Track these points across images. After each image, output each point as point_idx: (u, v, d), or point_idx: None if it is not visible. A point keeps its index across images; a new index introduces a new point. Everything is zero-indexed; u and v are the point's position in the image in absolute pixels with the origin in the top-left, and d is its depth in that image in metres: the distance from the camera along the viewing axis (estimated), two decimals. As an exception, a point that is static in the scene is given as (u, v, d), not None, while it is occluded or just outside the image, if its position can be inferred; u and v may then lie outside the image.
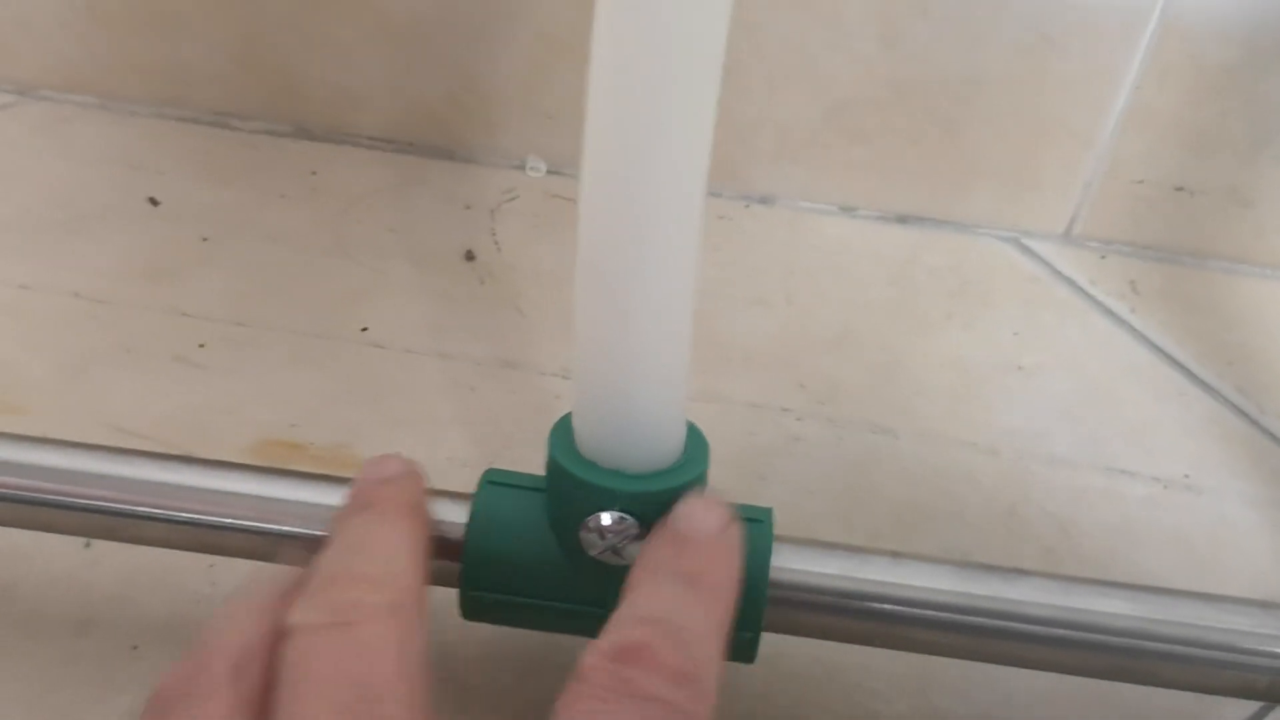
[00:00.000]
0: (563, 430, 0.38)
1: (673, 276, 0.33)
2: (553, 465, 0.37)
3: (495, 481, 0.40)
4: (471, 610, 0.40)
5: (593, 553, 0.36)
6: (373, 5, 0.74)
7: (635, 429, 0.36)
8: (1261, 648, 0.38)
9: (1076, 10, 0.67)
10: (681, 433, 0.38)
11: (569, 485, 0.36)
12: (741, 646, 0.38)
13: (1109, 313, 0.71)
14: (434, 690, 0.43)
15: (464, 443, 0.56)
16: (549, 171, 0.79)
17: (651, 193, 0.32)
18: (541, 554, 0.38)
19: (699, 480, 0.37)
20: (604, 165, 0.32)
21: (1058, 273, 0.74)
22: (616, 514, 0.36)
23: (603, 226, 0.33)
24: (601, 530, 0.36)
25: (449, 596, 0.43)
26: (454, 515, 0.39)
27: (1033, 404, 0.63)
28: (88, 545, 0.49)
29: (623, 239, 0.33)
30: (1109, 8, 0.67)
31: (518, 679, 0.45)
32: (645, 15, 0.30)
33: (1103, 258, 0.76)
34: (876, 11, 0.69)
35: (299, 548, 0.40)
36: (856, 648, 0.45)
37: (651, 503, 0.36)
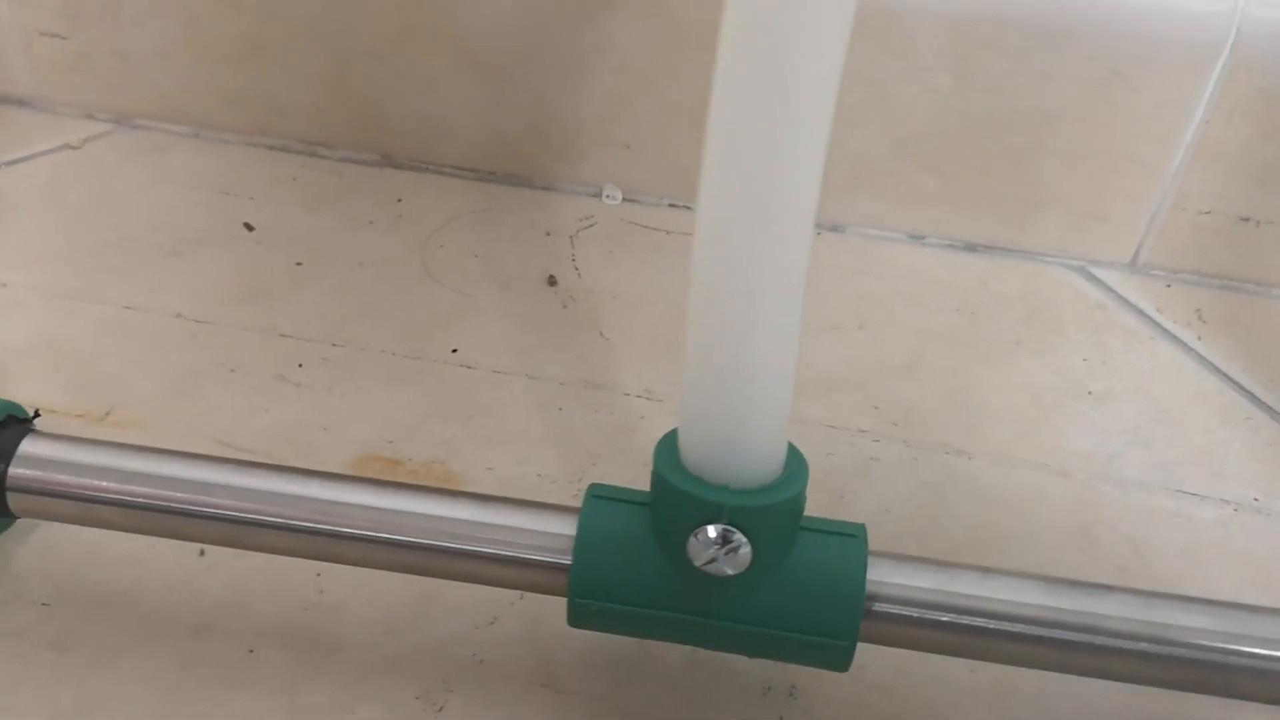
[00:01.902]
0: (668, 447, 0.40)
1: (783, 303, 0.36)
2: (660, 480, 0.39)
3: (600, 495, 0.42)
4: (578, 618, 0.42)
5: (699, 563, 0.38)
6: (460, 39, 0.76)
7: (742, 447, 0.38)
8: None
9: (1147, 46, 0.69)
10: (783, 451, 0.40)
11: (677, 499, 0.38)
12: (837, 655, 0.40)
13: (1176, 340, 0.72)
14: (529, 696, 0.46)
15: (553, 460, 0.58)
16: (625, 199, 0.81)
17: (766, 226, 0.34)
18: (647, 564, 0.40)
19: (799, 496, 0.39)
20: (720, 199, 0.34)
21: (1124, 301, 0.75)
22: (722, 526, 0.38)
23: (718, 256, 0.35)
24: (708, 542, 0.38)
25: (551, 604, 0.45)
26: (561, 527, 0.42)
27: (1102, 428, 0.64)
28: (202, 553, 0.51)
29: (737, 268, 0.35)
30: (1180, 43, 0.68)
31: (611, 687, 0.47)
32: (766, 65, 0.32)
33: (1168, 286, 0.77)
34: (950, 47, 0.71)
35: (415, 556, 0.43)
36: (937, 660, 0.47)
37: (756, 516, 0.38)
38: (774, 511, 0.38)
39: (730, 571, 0.38)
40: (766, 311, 0.35)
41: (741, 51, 0.32)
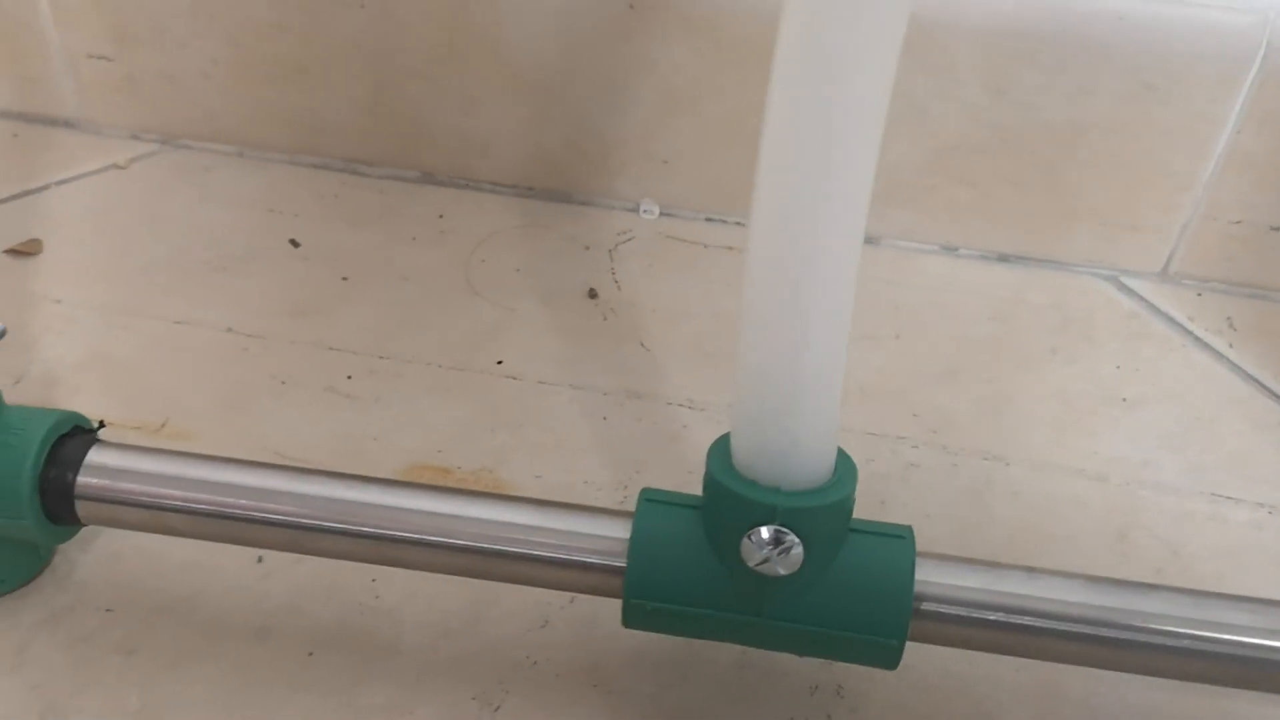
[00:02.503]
0: (720, 451, 0.41)
1: (834, 311, 0.37)
2: (714, 483, 0.40)
3: (653, 499, 0.43)
4: (632, 618, 0.43)
5: (752, 564, 0.39)
6: (502, 58, 0.78)
7: (795, 450, 0.39)
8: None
9: (1179, 59, 0.70)
10: (834, 454, 0.41)
11: (731, 501, 0.40)
12: (887, 653, 0.41)
13: (1207, 348, 0.73)
14: (582, 696, 0.47)
15: (599, 468, 0.60)
16: (661, 214, 0.82)
17: (817, 238, 0.35)
18: (700, 565, 0.41)
19: (849, 498, 0.40)
20: (773, 213, 0.36)
21: (1156, 309, 0.76)
22: (775, 528, 0.39)
23: (771, 268, 0.36)
24: (761, 543, 0.39)
25: (601, 608, 0.47)
26: (615, 531, 0.43)
27: (1137, 434, 0.65)
28: (260, 559, 0.53)
29: (790, 279, 0.36)
30: (1211, 56, 0.69)
31: (661, 687, 0.48)
32: (818, 86, 0.33)
33: (1200, 295, 0.78)
34: (986, 62, 0.72)
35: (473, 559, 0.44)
36: (983, 660, 0.48)
37: (808, 517, 0.39)
38: (825, 513, 0.39)
39: (783, 572, 0.39)
40: (818, 319, 0.37)
41: (795, 73, 0.34)
